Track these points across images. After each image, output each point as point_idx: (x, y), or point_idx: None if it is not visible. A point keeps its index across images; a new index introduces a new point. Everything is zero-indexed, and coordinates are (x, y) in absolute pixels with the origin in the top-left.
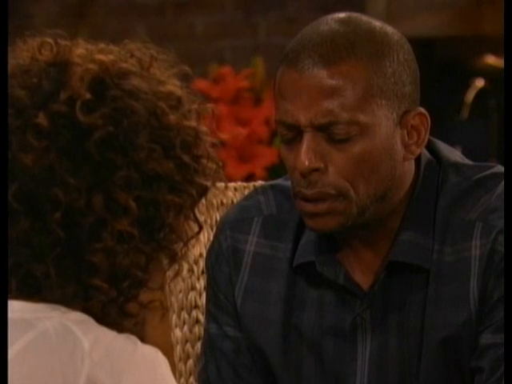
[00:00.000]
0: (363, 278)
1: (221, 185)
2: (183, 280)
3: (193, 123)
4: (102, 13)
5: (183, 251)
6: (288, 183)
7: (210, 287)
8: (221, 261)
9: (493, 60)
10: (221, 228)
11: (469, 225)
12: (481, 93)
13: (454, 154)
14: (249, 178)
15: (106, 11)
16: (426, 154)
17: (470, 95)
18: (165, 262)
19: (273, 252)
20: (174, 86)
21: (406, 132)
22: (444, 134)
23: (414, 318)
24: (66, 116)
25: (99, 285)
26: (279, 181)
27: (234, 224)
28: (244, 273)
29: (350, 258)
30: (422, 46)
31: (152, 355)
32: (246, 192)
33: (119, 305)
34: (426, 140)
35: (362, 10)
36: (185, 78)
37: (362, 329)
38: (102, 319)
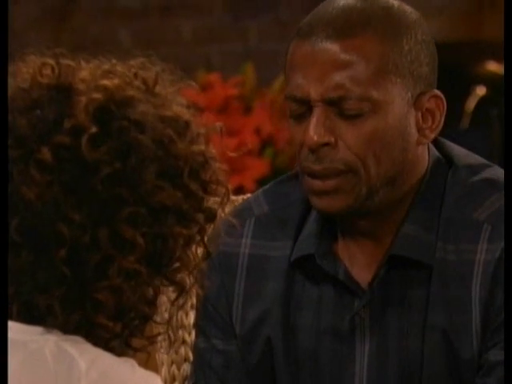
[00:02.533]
0: (362, 275)
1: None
2: (169, 300)
3: (201, 147)
4: (84, 16)
5: (191, 280)
6: (279, 182)
7: (201, 299)
8: (210, 270)
9: (494, 67)
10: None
11: (476, 225)
12: (482, 101)
13: (468, 154)
14: (238, 191)
15: (88, 15)
16: (435, 152)
17: (471, 103)
18: (172, 294)
19: (269, 252)
20: (180, 108)
21: (420, 115)
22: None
23: (415, 316)
24: (70, 149)
25: (104, 322)
26: (273, 182)
27: (225, 230)
28: (241, 279)
29: (351, 252)
30: None
31: (150, 380)
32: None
33: (124, 339)
34: (441, 125)
35: None
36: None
37: (361, 328)
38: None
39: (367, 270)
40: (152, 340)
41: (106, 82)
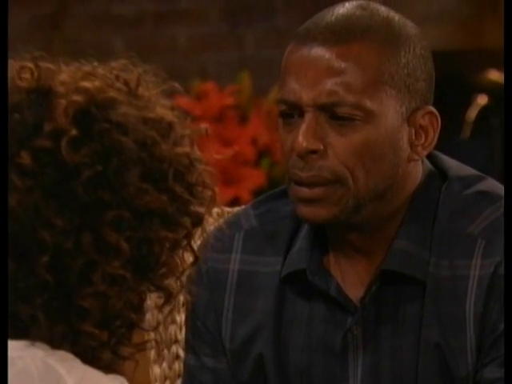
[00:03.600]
0: (355, 291)
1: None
2: (162, 313)
3: (185, 149)
4: (76, 24)
5: (178, 285)
6: (269, 195)
7: (190, 316)
8: (199, 285)
9: (496, 75)
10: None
11: (470, 240)
12: (483, 110)
13: (461, 166)
14: (234, 202)
15: (80, 23)
16: (428, 165)
17: (472, 113)
18: (158, 300)
19: (258, 267)
20: (163, 109)
21: (413, 131)
22: (445, 153)
23: (409, 333)
24: (51, 153)
25: (89, 330)
26: (263, 196)
27: (213, 245)
28: (230, 295)
29: (343, 268)
30: None
31: None
32: None
33: (111, 348)
34: (435, 142)
35: None
36: (170, 95)
37: (354, 345)
38: (93, 363)
39: (359, 286)
40: (140, 347)
41: (86, 84)
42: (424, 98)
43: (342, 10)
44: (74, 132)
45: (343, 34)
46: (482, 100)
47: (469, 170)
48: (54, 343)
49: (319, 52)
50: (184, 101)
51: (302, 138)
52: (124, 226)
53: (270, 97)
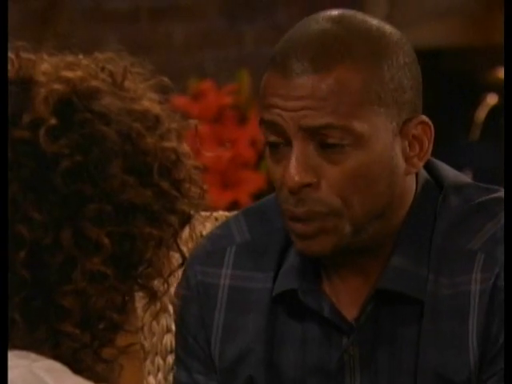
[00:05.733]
0: (350, 310)
1: (200, 215)
2: (157, 322)
3: (172, 144)
4: (69, 20)
5: (165, 287)
6: (262, 205)
7: (180, 330)
8: (189, 300)
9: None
10: (189, 263)
11: (469, 255)
12: (493, 110)
13: (457, 175)
14: (233, 206)
15: (73, 18)
16: (423, 174)
17: (482, 113)
18: (144, 301)
19: (250, 284)
20: (150, 102)
21: (407, 143)
22: (452, 156)
23: (407, 355)
24: (29, 143)
25: (70, 331)
26: (254, 203)
27: (203, 257)
28: (220, 311)
29: (336, 287)
30: (428, 58)
31: None
32: None
33: (94, 350)
34: (430, 152)
35: None
36: (165, 92)
37: (350, 367)
38: (75, 366)
39: (355, 305)
40: (124, 350)
41: (68, 73)
42: (414, 107)
43: (316, 27)
44: (52, 121)
45: (322, 59)
46: (492, 99)
47: (465, 180)
48: (36, 346)
49: (300, 81)
50: (181, 100)
51: (293, 171)
52: (105, 220)
53: None
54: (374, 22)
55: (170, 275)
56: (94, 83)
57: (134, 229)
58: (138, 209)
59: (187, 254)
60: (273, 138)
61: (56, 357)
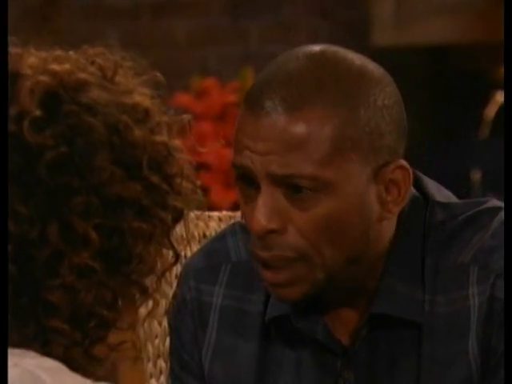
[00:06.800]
0: (345, 333)
1: (203, 214)
2: (159, 324)
3: (163, 138)
4: (68, 16)
5: (157, 285)
6: None
7: (173, 344)
8: (184, 314)
9: None
10: (184, 277)
11: (462, 269)
12: (503, 108)
13: (441, 192)
14: (236, 205)
15: (72, 15)
16: (411, 191)
17: (491, 111)
18: (137, 297)
19: (243, 305)
20: (141, 96)
21: (383, 187)
22: (460, 155)
23: (406, 379)
24: (14, 136)
25: (59, 327)
26: None
27: (198, 273)
28: (212, 331)
29: (329, 311)
30: (436, 55)
31: None
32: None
33: (85, 348)
34: (407, 198)
35: (366, 13)
36: (162, 90)
37: None
38: (67, 365)
39: (349, 327)
40: (115, 348)
41: (55, 66)
42: (392, 151)
43: (293, 64)
44: (37, 112)
45: (294, 99)
46: (502, 97)
47: (448, 194)
48: (26, 343)
49: (269, 121)
50: (184, 98)
51: (259, 217)
52: (92, 213)
53: None
54: (357, 60)
55: (163, 273)
56: (82, 76)
57: (122, 223)
58: (126, 203)
59: (182, 253)
60: (242, 180)
61: (47, 355)
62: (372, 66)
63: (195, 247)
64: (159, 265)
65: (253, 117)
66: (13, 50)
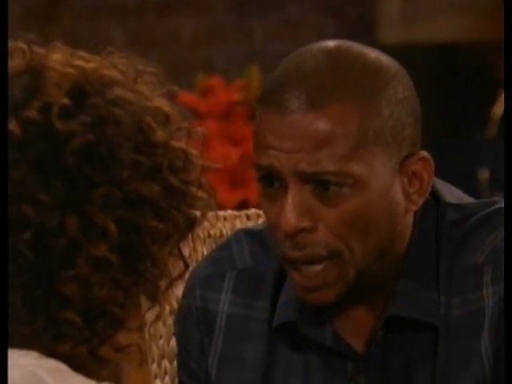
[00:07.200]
0: (356, 337)
1: (209, 214)
2: (164, 324)
3: (182, 145)
4: (72, 15)
5: (166, 291)
6: (263, 229)
7: (180, 353)
8: (190, 324)
9: None
10: (190, 285)
11: (476, 270)
12: None
13: (452, 192)
14: (242, 205)
15: (77, 13)
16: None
17: (498, 109)
18: (143, 301)
19: (248, 312)
20: (161, 103)
21: (406, 180)
22: (468, 154)
23: (420, 382)
24: (40, 124)
25: (72, 319)
26: (256, 226)
27: (204, 281)
28: (218, 339)
29: (338, 316)
30: (443, 53)
31: None
32: (237, 222)
33: (91, 347)
34: (430, 188)
35: (373, 10)
36: (170, 95)
37: None
38: (71, 362)
39: (360, 332)
40: (121, 350)
41: (81, 62)
42: (413, 142)
43: (310, 62)
44: (65, 101)
45: (317, 97)
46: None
47: (460, 194)
48: (37, 336)
49: (294, 119)
50: (188, 97)
51: (289, 216)
52: (113, 206)
53: None
54: (372, 54)
55: (174, 281)
56: (107, 73)
57: (141, 220)
58: (146, 201)
59: (188, 259)
60: (268, 183)
61: (53, 352)
62: (386, 59)
63: (199, 247)
64: (169, 273)
65: (276, 116)
66: (37, 49)
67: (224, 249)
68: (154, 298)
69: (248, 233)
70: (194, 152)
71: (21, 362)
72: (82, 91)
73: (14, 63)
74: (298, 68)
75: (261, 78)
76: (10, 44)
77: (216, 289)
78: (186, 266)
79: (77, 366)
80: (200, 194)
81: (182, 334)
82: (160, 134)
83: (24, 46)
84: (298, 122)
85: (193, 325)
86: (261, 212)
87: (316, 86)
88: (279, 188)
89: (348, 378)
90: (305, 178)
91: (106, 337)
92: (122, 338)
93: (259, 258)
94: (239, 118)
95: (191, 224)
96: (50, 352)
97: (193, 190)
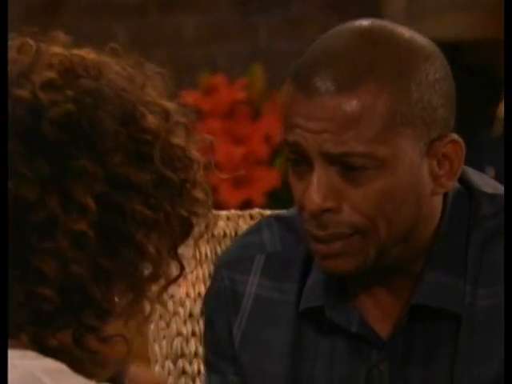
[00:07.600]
0: (381, 324)
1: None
2: (167, 325)
3: (181, 141)
4: (75, 13)
5: (159, 294)
6: (292, 213)
7: (209, 334)
8: (220, 303)
9: None
10: (217, 267)
11: None
12: None
13: (486, 182)
14: (245, 204)
15: (79, 11)
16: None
17: (504, 108)
18: (131, 298)
19: (277, 295)
20: (164, 102)
21: (435, 162)
22: (473, 154)
23: (441, 372)
24: (27, 99)
25: (48, 295)
26: (286, 212)
27: (231, 263)
28: (242, 318)
29: (364, 302)
30: (447, 51)
31: None
32: (241, 222)
33: (77, 336)
34: (460, 171)
35: (377, 8)
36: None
37: (379, 382)
38: (59, 354)
39: (385, 320)
40: (107, 341)
41: (80, 51)
42: (445, 124)
43: (342, 42)
44: (52, 74)
45: (346, 79)
46: None
47: (495, 185)
48: (14, 311)
49: (322, 101)
50: (192, 95)
51: (314, 195)
52: (94, 182)
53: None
54: (406, 34)
55: (168, 285)
56: (106, 60)
57: (125, 202)
58: (133, 186)
59: (189, 258)
60: (295, 157)
61: (40, 340)
62: (420, 39)
63: (203, 247)
64: (166, 274)
65: (304, 96)
66: (43, 45)
67: (254, 234)
68: (137, 287)
69: (279, 218)
70: (193, 150)
71: (19, 362)
72: (74, 73)
73: (21, 57)
74: (328, 49)
75: (264, 77)
76: (19, 39)
77: (244, 271)
78: (182, 269)
79: (70, 362)
80: (198, 193)
81: (211, 313)
82: (152, 122)
83: (31, 41)
84: (325, 104)
85: (222, 303)
86: (264, 212)
87: (345, 67)
88: (306, 167)
89: (372, 365)
90: (330, 159)
91: (91, 327)
92: (107, 327)
93: (288, 243)
94: (243, 116)
95: (187, 231)
96: (35, 341)
97: (190, 187)
